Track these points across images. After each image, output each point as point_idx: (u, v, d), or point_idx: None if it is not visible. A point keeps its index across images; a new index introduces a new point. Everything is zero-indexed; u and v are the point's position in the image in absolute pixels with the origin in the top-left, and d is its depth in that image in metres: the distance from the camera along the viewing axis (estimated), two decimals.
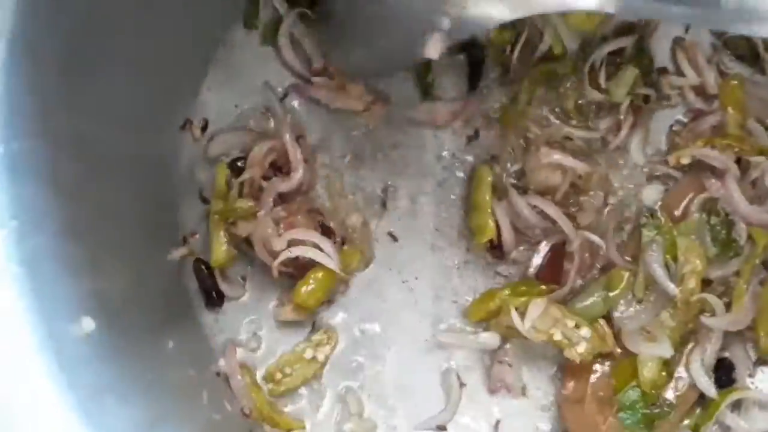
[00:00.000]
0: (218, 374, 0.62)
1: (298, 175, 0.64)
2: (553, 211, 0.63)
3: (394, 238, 0.67)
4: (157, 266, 0.61)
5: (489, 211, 0.63)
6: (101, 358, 0.45)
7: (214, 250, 0.63)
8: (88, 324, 0.45)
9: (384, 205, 0.67)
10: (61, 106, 0.47)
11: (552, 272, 0.64)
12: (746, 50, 0.66)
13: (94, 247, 0.50)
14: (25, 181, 0.44)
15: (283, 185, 0.63)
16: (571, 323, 0.60)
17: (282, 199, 0.64)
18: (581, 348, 0.60)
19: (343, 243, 0.65)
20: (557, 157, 0.63)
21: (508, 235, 0.64)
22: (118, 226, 0.56)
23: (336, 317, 0.66)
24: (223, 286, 0.65)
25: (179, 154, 0.66)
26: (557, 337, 0.60)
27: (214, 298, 0.65)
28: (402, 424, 0.64)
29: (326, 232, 0.64)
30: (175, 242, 0.64)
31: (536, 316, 0.60)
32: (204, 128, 0.66)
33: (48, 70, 0.46)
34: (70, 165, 0.49)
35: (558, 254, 0.64)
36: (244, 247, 0.64)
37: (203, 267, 0.64)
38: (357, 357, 0.65)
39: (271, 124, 0.66)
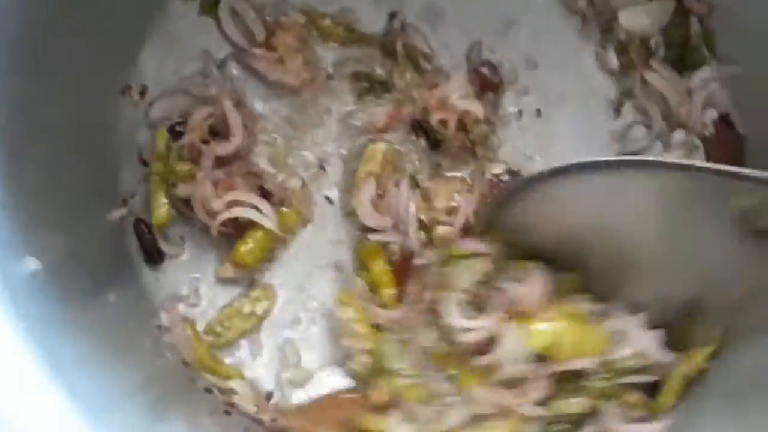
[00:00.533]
0: (159, 327, 0.64)
1: (236, 139, 0.66)
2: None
3: (330, 201, 0.70)
4: (99, 224, 0.63)
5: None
6: (48, 296, 0.47)
7: (155, 210, 0.65)
8: (33, 263, 0.47)
9: (323, 168, 0.70)
10: (5, 68, 0.49)
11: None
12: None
13: (38, 201, 0.52)
14: None
15: (222, 149, 0.66)
16: None
17: (221, 162, 0.67)
18: None
19: (281, 204, 0.68)
20: None
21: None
22: (61, 185, 0.57)
23: (275, 275, 0.69)
24: (163, 245, 0.67)
25: (120, 119, 0.67)
26: None
27: (155, 256, 0.67)
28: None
29: (265, 194, 0.67)
30: (116, 203, 0.66)
31: None
32: (142, 93, 0.68)
33: None
34: (15, 125, 0.51)
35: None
36: (182, 208, 0.66)
37: (144, 226, 0.67)
38: (296, 312, 0.68)
39: (211, 90, 0.68)
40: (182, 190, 0.65)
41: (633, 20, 0.73)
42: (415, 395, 0.62)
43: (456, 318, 0.62)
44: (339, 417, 0.63)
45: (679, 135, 0.74)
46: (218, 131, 0.67)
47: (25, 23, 0.51)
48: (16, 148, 0.51)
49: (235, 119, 0.67)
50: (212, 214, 0.64)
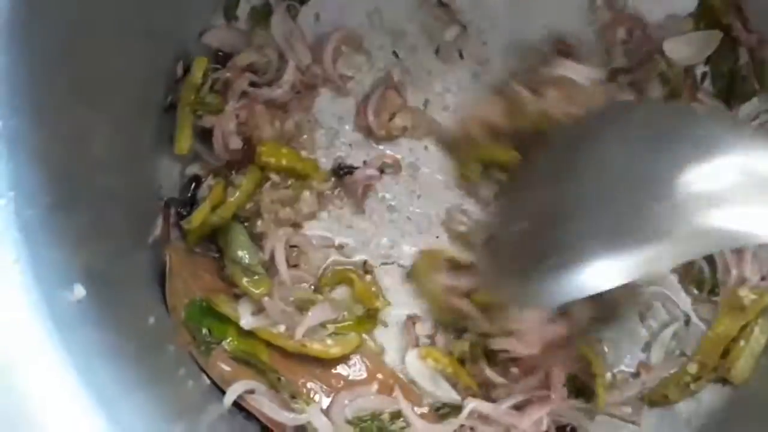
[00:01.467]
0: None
1: (284, 88, 0.68)
2: None
3: None
4: (141, 247, 0.64)
5: None
6: (91, 323, 0.48)
7: (180, 140, 0.67)
8: (80, 291, 0.48)
9: None
10: (57, 88, 0.50)
11: None
12: None
13: (83, 224, 0.53)
14: (21, 156, 0.47)
15: (267, 92, 0.68)
16: None
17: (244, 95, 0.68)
18: None
19: None
20: None
21: None
22: (105, 208, 0.58)
23: None
24: None
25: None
26: None
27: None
28: None
29: None
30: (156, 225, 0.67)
31: None
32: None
33: (47, 53, 0.49)
34: (63, 149, 0.52)
35: None
36: (201, 145, 0.68)
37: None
38: None
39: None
40: (207, 120, 0.67)
41: (677, 50, 0.71)
42: None
43: None
44: None
45: None
46: (256, 70, 0.69)
47: (76, 41, 0.52)
48: (73, 180, 0.52)
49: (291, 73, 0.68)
50: (228, 151, 0.66)
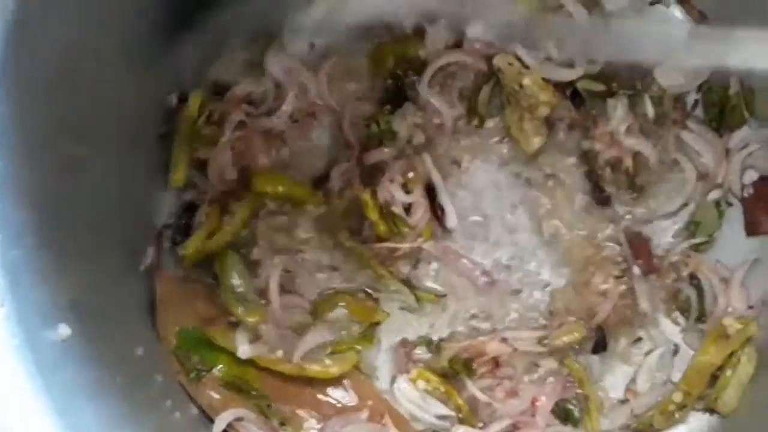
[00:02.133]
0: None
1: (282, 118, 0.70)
2: None
3: None
4: (128, 278, 0.65)
5: None
6: (75, 362, 0.49)
7: (176, 173, 0.68)
8: (65, 330, 0.49)
9: None
10: (46, 130, 0.51)
11: None
12: None
13: (70, 260, 0.54)
14: (8, 197, 0.47)
15: (265, 122, 0.70)
16: None
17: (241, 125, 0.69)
18: None
19: None
20: None
21: None
22: (93, 243, 0.59)
23: None
24: None
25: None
26: None
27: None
28: None
29: None
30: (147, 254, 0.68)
31: None
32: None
33: (33, 93, 0.50)
34: (51, 186, 0.53)
35: None
36: (198, 175, 0.69)
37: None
38: None
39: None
40: (202, 152, 0.68)
41: (669, 77, 0.71)
42: None
43: None
44: None
45: (714, 194, 0.72)
46: (252, 101, 0.70)
47: (66, 81, 0.53)
48: (61, 216, 0.53)
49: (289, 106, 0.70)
50: (224, 183, 0.68)
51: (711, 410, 0.68)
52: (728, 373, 0.67)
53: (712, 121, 0.72)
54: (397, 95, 0.71)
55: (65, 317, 0.50)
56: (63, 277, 0.51)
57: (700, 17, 0.72)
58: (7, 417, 0.44)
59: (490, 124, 0.71)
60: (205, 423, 0.64)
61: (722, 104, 0.72)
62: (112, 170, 0.61)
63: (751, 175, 0.72)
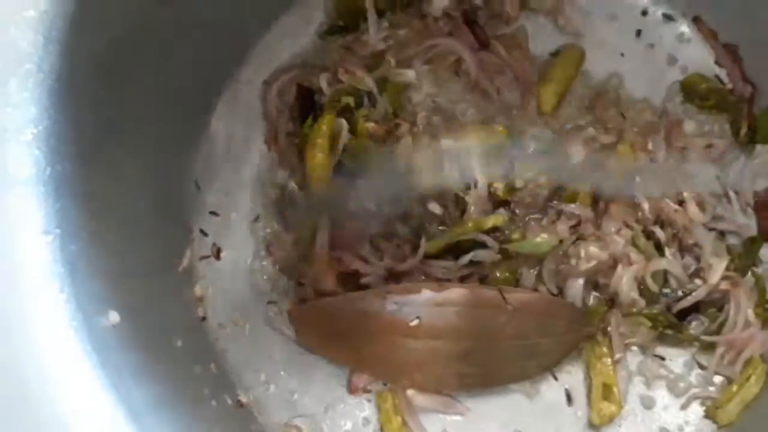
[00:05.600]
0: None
1: None
2: None
3: None
4: (167, 276, 0.70)
5: None
6: (124, 345, 0.54)
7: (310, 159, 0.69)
8: (114, 317, 0.54)
9: None
10: (96, 137, 0.57)
11: None
12: None
13: (115, 257, 0.59)
14: (66, 197, 0.53)
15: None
16: None
17: None
18: None
19: None
20: None
21: None
22: (133, 241, 0.64)
23: None
24: None
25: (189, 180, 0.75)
26: None
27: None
28: None
29: None
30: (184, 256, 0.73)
31: None
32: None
33: (86, 106, 0.55)
34: (101, 186, 0.58)
35: None
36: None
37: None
38: None
39: None
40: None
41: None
42: None
43: None
44: None
45: None
46: None
47: (113, 93, 0.59)
48: (103, 208, 0.58)
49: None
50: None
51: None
52: (734, 388, 0.70)
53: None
54: None
55: (115, 306, 0.55)
56: (111, 270, 0.57)
57: (711, 36, 0.74)
58: (69, 388, 0.49)
59: None
60: (239, 412, 0.68)
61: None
62: (148, 171, 0.66)
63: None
